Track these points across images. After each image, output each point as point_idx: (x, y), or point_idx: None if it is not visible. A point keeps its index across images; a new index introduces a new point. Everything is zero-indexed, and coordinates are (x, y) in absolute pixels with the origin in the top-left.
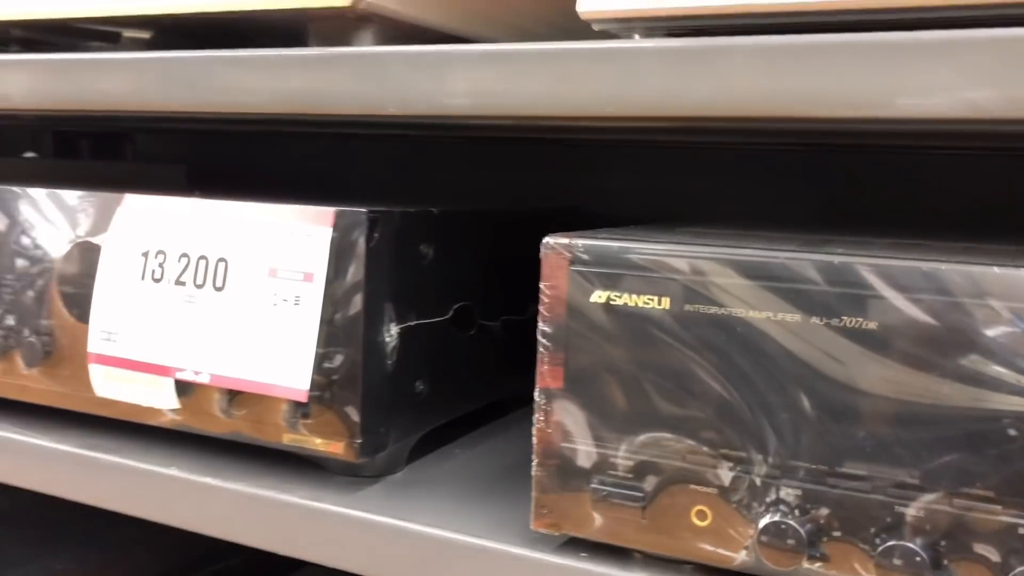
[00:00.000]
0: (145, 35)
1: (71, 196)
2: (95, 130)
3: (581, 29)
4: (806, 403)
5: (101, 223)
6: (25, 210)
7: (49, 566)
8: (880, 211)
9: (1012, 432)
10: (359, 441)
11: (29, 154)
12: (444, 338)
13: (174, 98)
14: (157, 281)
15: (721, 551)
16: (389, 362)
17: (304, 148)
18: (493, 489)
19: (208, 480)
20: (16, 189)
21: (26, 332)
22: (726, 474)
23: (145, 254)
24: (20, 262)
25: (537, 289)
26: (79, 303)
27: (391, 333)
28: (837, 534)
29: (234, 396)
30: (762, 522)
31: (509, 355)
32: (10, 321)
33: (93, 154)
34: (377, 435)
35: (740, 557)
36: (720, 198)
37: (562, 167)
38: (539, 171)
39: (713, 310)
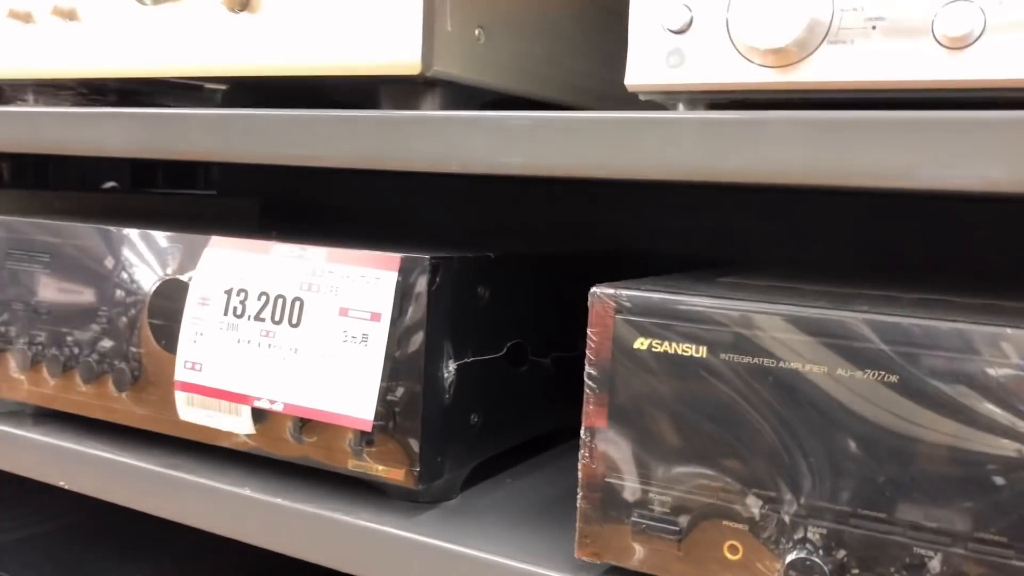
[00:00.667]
0: (223, 87)
1: (162, 237)
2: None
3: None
4: (833, 449)
5: (188, 262)
6: (122, 249)
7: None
8: (916, 250)
9: (999, 480)
10: (418, 469)
11: (109, 183)
12: (498, 374)
13: (256, 150)
14: (238, 317)
15: None
16: (447, 396)
17: (372, 179)
18: (541, 517)
19: (278, 500)
20: (113, 230)
21: (118, 359)
22: (757, 512)
23: (228, 292)
24: (115, 295)
25: (585, 327)
26: (166, 334)
27: (449, 369)
28: (856, 571)
29: (304, 424)
30: (789, 558)
31: (558, 389)
32: (104, 348)
33: (169, 182)
34: (434, 464)
35: None
36: (760, 234)
37: (610, 203)
38: (588, 207)
39: (747, 359)
